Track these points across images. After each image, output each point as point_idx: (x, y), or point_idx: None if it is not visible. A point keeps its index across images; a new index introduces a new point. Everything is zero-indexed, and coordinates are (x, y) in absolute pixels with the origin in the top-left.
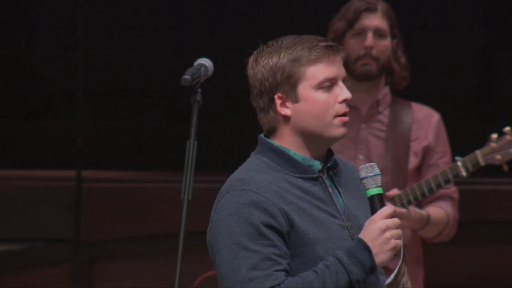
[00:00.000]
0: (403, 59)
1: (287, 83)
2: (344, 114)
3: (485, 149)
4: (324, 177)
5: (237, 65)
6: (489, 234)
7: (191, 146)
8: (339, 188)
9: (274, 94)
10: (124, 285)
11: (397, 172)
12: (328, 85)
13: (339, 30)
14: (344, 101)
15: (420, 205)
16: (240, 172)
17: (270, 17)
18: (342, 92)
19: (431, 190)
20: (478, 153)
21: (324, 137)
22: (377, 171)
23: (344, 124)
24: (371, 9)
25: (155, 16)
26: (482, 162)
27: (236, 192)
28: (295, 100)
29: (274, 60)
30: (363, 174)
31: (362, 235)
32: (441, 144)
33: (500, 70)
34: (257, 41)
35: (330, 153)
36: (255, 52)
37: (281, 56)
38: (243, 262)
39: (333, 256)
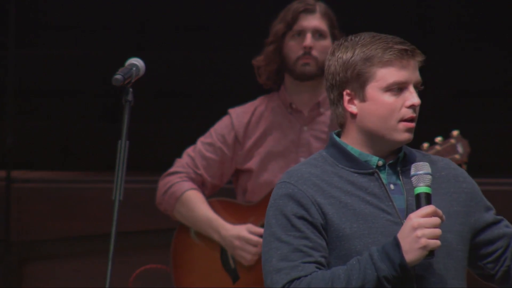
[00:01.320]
0: None
1: (357, 81)
2: (410, 120)
3: (431, 152)
4: (380, 173)
5: (170, 65)
6: None
7: (123, 146)
8: (404, 186)
9: (343, 90)
10: (55, 285)
11: None
12: (397, 88)
13: (279, 32)
14: (412, 106)
15: None
16: (297, 165)
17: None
18: (411, 97)
19: None
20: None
21: (387, 139)
22: (427, 169)
23: (409, 130)
24: (309, 10)
25: (87, 15)
26: None
27: (278, 184)
28: (363, 99)
29: (348, 55)
30: (412, 171)
31: (399, 232)
32: None
33: None
34: (190, 41)
35: (399, 150)
36: (334, 44)
37: (355, 53)
38: (275, 253)
39: (368, 251)
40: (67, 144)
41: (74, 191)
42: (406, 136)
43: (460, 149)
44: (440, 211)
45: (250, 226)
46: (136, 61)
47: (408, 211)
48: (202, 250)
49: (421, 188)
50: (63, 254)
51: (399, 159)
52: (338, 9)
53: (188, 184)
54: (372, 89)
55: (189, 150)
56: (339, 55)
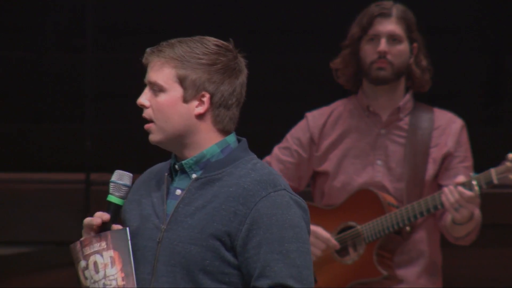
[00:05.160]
0: (424, 62)
1: None
2: (146, 122)
3: (500, 168)
4: (174, 177)
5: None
6: (510, 238)
7: None
8: (184, 193)
9: None
10: None
11: (414, 181)
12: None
13: (354, 36)
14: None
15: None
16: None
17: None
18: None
19: (435, 207)
20: (493, 171)
21: None
22: (127, 181)
23: (148, 131)
24: (385, 14)
25: (171, 19)
26: (495, 181)
27: None
28: None
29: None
30: (113, 178)
31: None
32: (462, 149)
33: (509, 72)
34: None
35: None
36: None
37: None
38: None
39: None
40: (145, 146)
41: None
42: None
43: None
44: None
45: (319, 228)
46: None
47: (171, 218)
48: None
49: (114, 198)
50: None
51: (182, 165)
52: None
53: None
54: None
55: (267, 158)
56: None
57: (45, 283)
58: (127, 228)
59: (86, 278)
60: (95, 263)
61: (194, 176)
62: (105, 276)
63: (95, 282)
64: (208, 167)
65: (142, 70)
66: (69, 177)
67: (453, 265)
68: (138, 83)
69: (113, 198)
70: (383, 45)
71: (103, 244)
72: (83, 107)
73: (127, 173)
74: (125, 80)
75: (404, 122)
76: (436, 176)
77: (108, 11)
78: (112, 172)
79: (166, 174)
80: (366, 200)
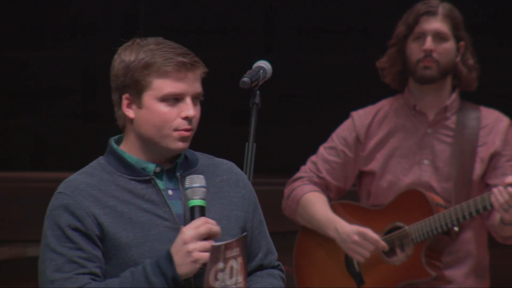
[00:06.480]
0: (471, 61)
1: (134, 88)
2: (186, 130)
3: None
4: (158, 180)
5: (296, 67)
6: None
7: (250, 148)
8: (182, 191)
9: (123, 94)
10: None
11: (461, 180)
12: (173, 99)
13: (400, 34)
14: (186, 118)
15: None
16: (74, 174)
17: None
18: (186, 109)
19: (484, 208)
20: None
21: (161, 147)
22: (202, 182)
23: (183, 139)
24: (431, 13)
25: (213, 17)
26: None
27: (55, 194)
28: (139, 105)
29: (131, 59)
30: (187, 184)
31: (172, 245)
32: (509, 148)
33: None
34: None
35: (179, 155)
36: (124, 45)
37: (137, 58)
38: (49, 264)
39: (142, 264)
40: (196, 146)
41: None
42: (180, 145)
43: None
44: (212, 222)
45: (368, 230)
46: (264, 64)
47: (186, 216)
48: (325, 252)
49: (195, 201)
50: None
51: (177, 165)
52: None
53: (309, 187)
54: (148, 97)
55: (312, 157)
56: (123, 57)
57: None
58: (246, 234)
59: (217, 279)
60: (232, 268)
61: (178, 174)
62: (236, 283)
63: (226, 286)
64: (185, 165)
65: None
66: None
67: (501, 266)
68: None
69: (195, 202)
70: (429, 43)
71: (238, 250)
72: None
73: (196, 175)
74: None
75: (451, 121)
76: (484, 175)
77: (160, 9)
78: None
79: (152, 178)
80: (413, 201)
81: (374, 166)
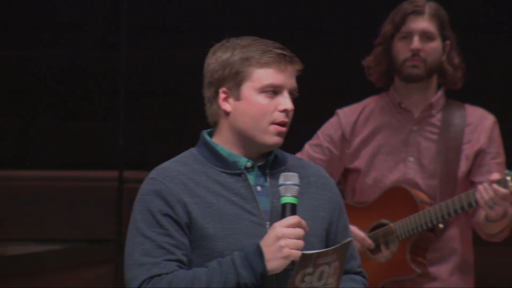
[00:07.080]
0: (457, 60)
1: (233, 80)
2: (282, 124)
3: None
4: (248, 174)
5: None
6: None
7: None
8: (270, 188)
9: (220, 88)
10: None
11: (446, 177)
12: (271, 91)
13: (387, 34)
14: (284, 110)
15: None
16: (166, 162)
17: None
18: (285, 102)
19: (469, 205)
20: None
21: (256, 141)
22: (295, 180)
23: (280, 134)
24: (417, 12)
25: (200, 17)
26: None
27: (147, 180)
28: (237, 98)
29: (228, 55)
30: (281, 181)
31: (262, 240)
32: (494, 146)
33: None
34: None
35: (270, 153)
36: (216, 45)
37: (235, 53)
38: (138, 247)
39: (230, 255)
40: (179, 143)
41: None
42: (276, 140)
43: None
44: (304, 222)
45: (354, 228)
46: None
47: (272, 213)
48: None
49: (288, 198)
50: None
51: (268, 162)
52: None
53: None
54: (247, 89)
55: (297, 154)
56: (219, 55)
57: (77, 281)
58: (351, 239)
59: (303, 281)
60: (322, 273)
61: (267, 171)
62: (325, 284)
63: (312, 287)
64: (274, 163)
65: (175, 68)
66: (102, 175)
67: (485, 263)
68: (171, 81)
69: (287, 199)
70: (416, 42)
71: (335, 256)
72: (116, 104)
73: (291, 173)
74: (158, 78)
75: (436, 119)
76: (469, 172)
77: (142, 8)
78: (145, 169)
79: (243, 172)
80: (398, 198)
81: (359, 163)
